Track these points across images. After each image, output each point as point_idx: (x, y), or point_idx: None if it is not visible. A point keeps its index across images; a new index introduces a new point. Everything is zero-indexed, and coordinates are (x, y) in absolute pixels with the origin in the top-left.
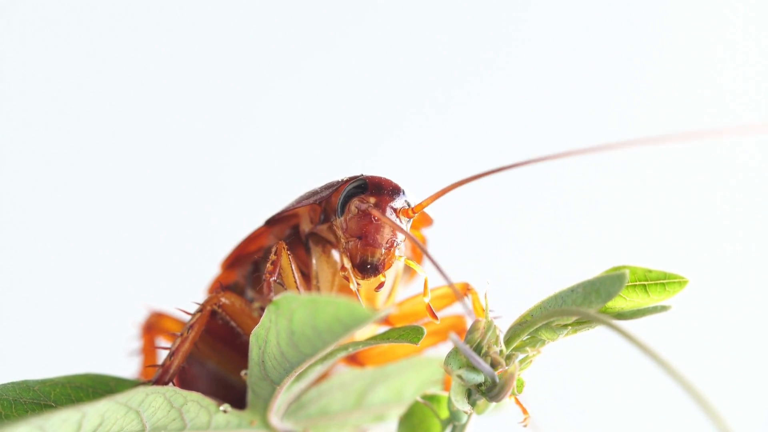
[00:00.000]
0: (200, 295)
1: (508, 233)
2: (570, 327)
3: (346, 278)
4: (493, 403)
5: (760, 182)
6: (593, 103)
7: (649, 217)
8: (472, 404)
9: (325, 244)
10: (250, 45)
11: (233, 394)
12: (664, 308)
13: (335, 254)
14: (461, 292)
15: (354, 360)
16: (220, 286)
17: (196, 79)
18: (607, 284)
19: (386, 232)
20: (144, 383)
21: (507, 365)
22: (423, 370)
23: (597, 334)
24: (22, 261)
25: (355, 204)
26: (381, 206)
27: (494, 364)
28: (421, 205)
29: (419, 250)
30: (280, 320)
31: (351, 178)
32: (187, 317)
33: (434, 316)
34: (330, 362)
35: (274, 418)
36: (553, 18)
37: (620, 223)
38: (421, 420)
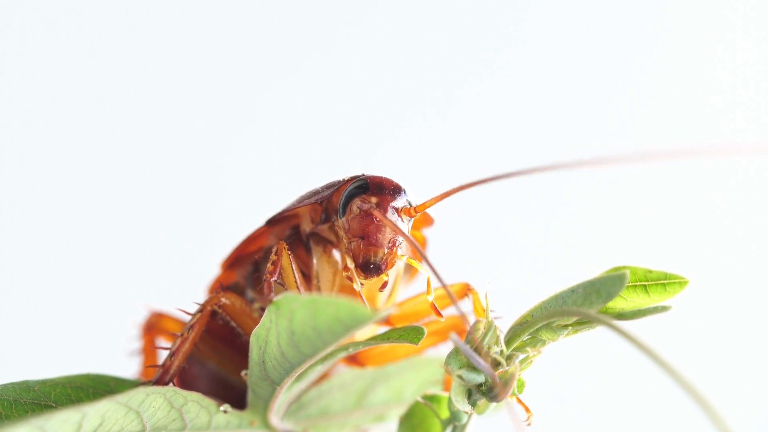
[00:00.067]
0: (200, 296)
1: (509, 233)
2: (570, 327)
3: (350, 278)
4: (494, 404)
5: (760, 182)
6: (594, 102)
7: (649, 218)
8: (473, 404)
9: (326, 243)
10: (250, 45)
11: (233, 395)
12: (664, 308)
13: (336, 254)
14: (461, 292)
15: (354, 360)
16: (220, 287)
17: (196, 80)
18: (608, 284)
19: (388, 232)
20: (144, 383)
21: (507, 365)
22: (423, 370)
23: (597, 334)
24: (22, 261)
25: (356, 204)
26: (382, 206)
27: (495, 365)
28: (425, 205)
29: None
30: (281, 320)
31: (352, 178)
32: (188, 317)
33: (439, 313)
34: (330, 362)
35: (275, 419)
36: (554, 17)
37: (620, 224)
38: (422, 420)
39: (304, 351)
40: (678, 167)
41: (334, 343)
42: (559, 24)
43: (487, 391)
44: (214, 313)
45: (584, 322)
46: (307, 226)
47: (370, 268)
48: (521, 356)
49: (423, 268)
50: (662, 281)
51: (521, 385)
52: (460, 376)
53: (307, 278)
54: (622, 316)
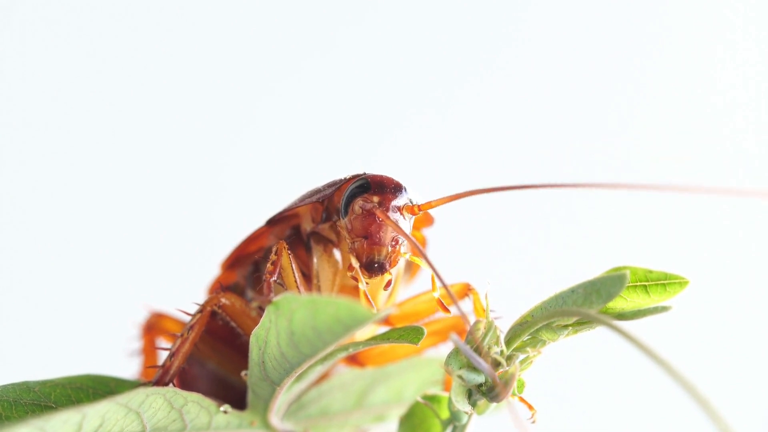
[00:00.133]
0: (200, 296)
1: (509, 233)
2: (571, 327)
3: (354, 278)
4: (494, 404)
5: (760, 182)
6: (594, 101)
7: (649, 218)
8: (473, 404)
9: (327, 243)
10: (251, 45)
11: (233, 395)
12: (664, 309)
13: (337, 253)
14: (462, 292)
15: (354, 360)
16: (220, 287)
17: (196, 80)
18: (608, 285)
19: (391, 230)
20: (144, 384)
21: (507, 366)
22: (423, 370)
23: (597, 334)
24: (22, 261)
25: (358, 204)
26: (384, 205)
27: (495, 365)
28: (431, 205)
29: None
30: (280, 321)
31: (353, 177)
32: (188, 318)
33: (446, 309)
34: (330, 362)
35: (275, 419)
36: (555, 17)
37: (620, 224)
38: (422, 420)
39: (303, 351)
40: (678, 167)
41: (334, 344)
42: (559, 23)
43: (487, 392)
44: (214, 314)
45: (584, 322)
46: (307, 226)
47: (374, 267)
48: (521, 356)
49: (426, 266)
50: (662, 281)
51: (521, 386)
52: (460, 376)
53: (307, 278)
54: (622, 316)
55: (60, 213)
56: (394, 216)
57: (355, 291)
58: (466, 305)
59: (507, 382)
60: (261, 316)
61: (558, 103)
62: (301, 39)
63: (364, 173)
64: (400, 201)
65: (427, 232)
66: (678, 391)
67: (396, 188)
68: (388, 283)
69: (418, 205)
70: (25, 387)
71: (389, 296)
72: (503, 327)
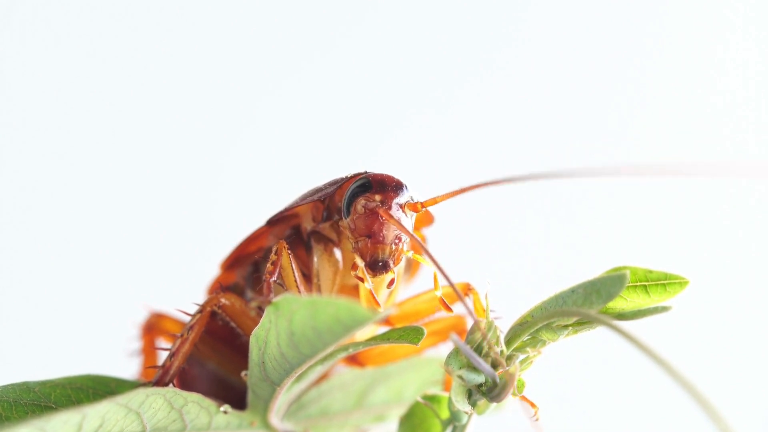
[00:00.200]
0: (200, 296)
1: (509, 233)
2: (571, 327)
3: (359, 278)
4: (494, 404)
5: (760, 182)
6: (594, 100)
7: (649, 218)
8: (473, 405)
9: (327, 242)
10: (250, 45)
11: (233, 395)
12: (664, 309)
13: (337, 253)
14: (462, 292)
15: (354, 360)
16: (220, 287)
17: (196, 80)
18: (608, 285)
19: (394, 228)
20: (144, 384)
21: (508, 366)
22: (423, 370)
23: (597, 334)
24: (22, 261)
25: (361, 203)
26: (387, 203)
27: (495, 365)
28: (435, 201)
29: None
30: (280, 321)
31: (355, 176)
32: (187, 318)
33: (448, 308)
34: (330, 363)
35: (275, 419)
36: (555, 16)
37: (621, 224)
38: (422, 420)
39: (304, 352)
40: (678, 166)
41: (334, 344)
42: (559, 22)
43: (487, 392)
44: (213, 314)
45: (584, 322)
46: (308, 225)
47: (378, 265)
48: (521, 356)
49: (429, 264)
50: (662, 281)
51: (521, 386)
52: (460, 376)
53: (307, 278)
54: (622, 316)
55: (60, 213)
56: (397, 214)
57: (354, 291)
58: (467, 305)
59: (507, 382)
60: (261, 317)
61: (558, 103)
62: (301, 39)
63: (365, 172)
64: (401, 199)
65: (427, 231)
66: (678, 391)
67: (397, 186)
68: (392, 282)
69: (420, 202)
70: (25, 387)
71: (389, 296)
72: (503, 327)
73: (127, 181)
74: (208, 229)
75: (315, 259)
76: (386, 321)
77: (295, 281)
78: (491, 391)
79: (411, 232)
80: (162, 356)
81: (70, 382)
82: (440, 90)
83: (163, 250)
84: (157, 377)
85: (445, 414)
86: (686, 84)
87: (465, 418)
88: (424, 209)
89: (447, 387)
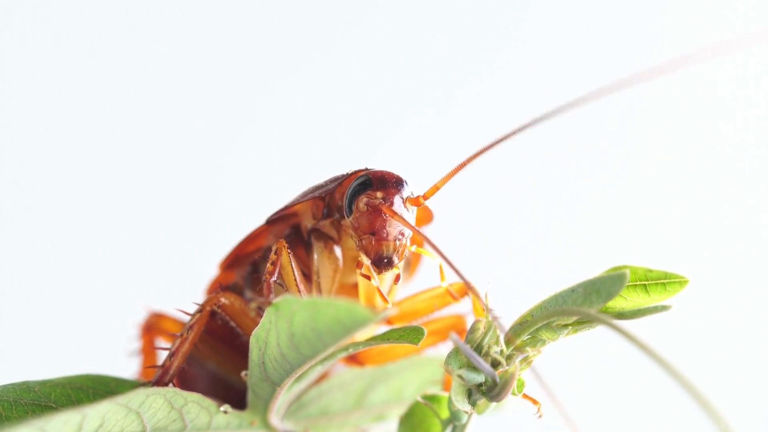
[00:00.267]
0: (200, 296)
1: (509, 233)
2: (570, 327)
3: (365, 276)
4: (494, 403)
5: (760, 182)
6: (595, 101)
7: (649, 217)
8: (473, 404)
9: (327, 240)
10: (250, 45)
11: (233, 395)
12: (664, 308)
13: (337, 250)
14: (461, 291)
15: (353, 359)
16: (219, 287)
17: (196, 80)
18: (608, 284)
19: (397, 224)
20: (144, 384)
21: (507, 365)
22: (423, 369)
23: (597, 334)
24: (22, 261)
25: (362, 201)
26: (388, 200)
27: (495, 364)
28: (435, 188)
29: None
30: (281, 322)
31: (355, 173)
32: (187, 318)
33: (454, 297)
34: (330, 363)
35: (275, 419)
36: (556, 15)
37: (620, 223)
38: (422, 420)
39: (304, 352)
40: (678, 167)
41: (335, 345)
42: (560, 21)
43: (487, 391)
44: (213, 314)
45: (584, 321)
46: (308, 222)
47: (383, 262)
48: (521, 356)
49: (434, 256)
50: (662, 281)
51: (521, 385)
52: (460, 376)
53: (307, 278)
54: (622, 315)
55: (60, 213)
56: (400, 209)
57: (354, 289)
58: (466, 304)
59: (507, 381)
60: (261, 317)
61: (557, 102)
62: (299, 39)
63: (366, 168)
64: (403, 194)
65: (427, 230)
66: (678, 390)
67: (398, 182)
68: (397, 278)
69: (421, 196)
70: (25, 387)
71: (388, 295)
72: (503, 327)
73: (126, 182)
74: (208, 229)
75: (315, 256)
76: (386, 320)
77: (295, 280)
78: (491, 391)
79: (414, 226)
80: (162, 356)
81: (70, 382)
82: (439, 87)
83: (163, 250)
84: (157, 377)
85: (445, 414)
86: (685, 84)
87: (465, 418)
88: (426, 201)
89: (447, 387)
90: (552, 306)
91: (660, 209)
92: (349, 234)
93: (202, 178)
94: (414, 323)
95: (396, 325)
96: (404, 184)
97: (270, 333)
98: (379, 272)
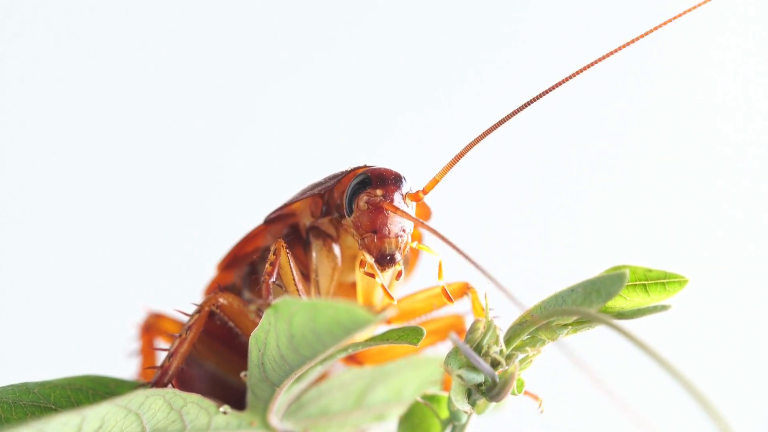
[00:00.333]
0: (198, 297)
1: (508, 233)
2: (570, 327)
3: (369, 274)
4: (493, 403)
5: (759, 182)
6: (595, 101)
7: (649, 217)
8: (472, 404)
9: (326, 238)
10: (248, 45)
11: (231, 395)
12: (664, 308)
13: (336, 248)
14: (460, 291)
15: (352, 359)
16: (218, 287)
17: (195, 80)
18: (608, 284)
19: (398, 221)
20: (143, 385)
21: (507, 365)
22: (422, 369)
23: (597, 333)
24: (21, 261)
25: (363, 200)
26: (389, 196)
27: (494, 364)
28: (435, 181)
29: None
30: (280, 323)
31: (354, 170)
32: (186, 318)
33: (449, 298)
34: (329, 363)
35: (274, 419)
36: (556, 15)
37: (620, 223)
38: (421, 420)
39: (303, 353)
40: (678, 167)
41: (334, 346)
42: (560, 20)
43: (486, 391)
44: (212, 314)
45: (584, 321)
46: (306, 220)
47: (386, 259)
48: (521, 356)
49: (434, 253)
50: (662, 280)
51: (520, 385)
52: (459, 376)
53: (305, 278)
54: (621, 315)
55: (60, 213)
56: (401, 205)
57: (352, 288)
58: (465, 305)
59: (506, 381)
60: (260, 318)
61: (558, 100)
62: (297, 39)
63: (364, 165)
64: (402, 190)
65: (426, 239)
66: (678, 390)
67: (396, 179)
68: (399, 274)
69: (420, 190)
70: (25, 388)
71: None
72: (502, 326)
73: (125, 183)
74: (207, 229)
75: (313, 254)
76: (385, 320)
77: (294, 280)
78: (491, 391)
79: (417, 219)
80: (161, 356)
81: (70, 383)
82: (438, 86)
83: (162, 250)
84: (156, 378)
85: (444, 413)
86: (685, 84)
87: (464, 418)
88: (425, 196)
89: (446, 386)
90: (551, 306)
91: (660, 209)
92: (351, 233)
93: (201, 179)
94: (413, 323)
95: (395, 325)
96: (403, 180)
97: (269, 334)
98: (383, 270)
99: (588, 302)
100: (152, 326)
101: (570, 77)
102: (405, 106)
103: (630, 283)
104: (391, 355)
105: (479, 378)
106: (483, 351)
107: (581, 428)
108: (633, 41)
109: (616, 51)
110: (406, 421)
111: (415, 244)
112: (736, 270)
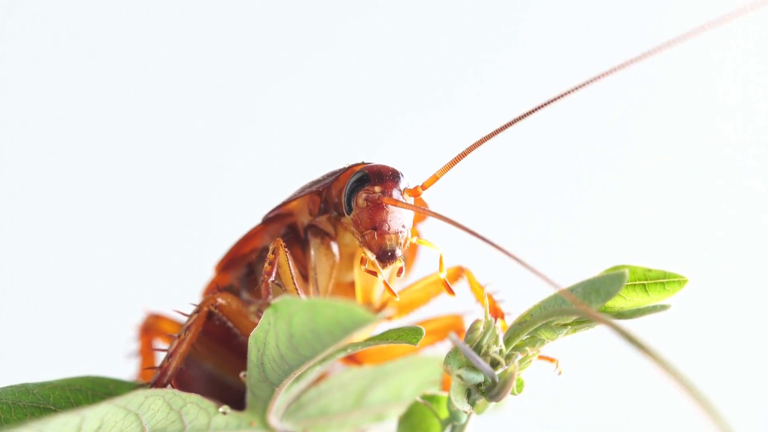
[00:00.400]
0: (197, 297)
1: (508, 233)
2: (570, 326)
3: (371, 271)
4: (493, 403)
5: (759, 182)
6: (595, 100)
7: (649, 217)
8: (472, 404)
9: (324, 236)
10: (248, 45)
11: (230, 395)
12: (663, 307)
13: (334, 246)
14: (455, 275)
15: (351, 358)
16: (216, 287)
17: (195, 81)
18: (607, 283)
19: (398, 217)
20: (142, 385)
21: (507, 365)
22: (422, 369)
23: (597, 333)
24: (22, 262)
25: (362, 197)
26: (388, 192)
27: (494, 364)
28: (435, 178)
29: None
30: (279, 323)
31: (352, 167)
32: (184, 319)
33: (450, 290)
34: (329, 363)
35: (274, 419)
36: (556, 14)
37: (620, 223)
38: (421, 420)
39: (303, 353)
40: (678, 166)
41: (333, 346)
42: (560, 20)
43: (486, 391)
44: (210, 315)
45: (583, 321)
46: (304, 219)
47: (387, 255)
48: (520, 356)
49: (435, 246)
50: (661, 280)
51: (520, 385)
52: (459, 376)
53: (304, 278)
54: (621, 315)
55: (59, 214)
56: (401, 200)
57: (351, 287)
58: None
59: (506, 381)
60: (259, 318)
61: (558, 100)
62: (296, 39)
63: (362, 162)
64: (400, 186)
65: (424, 227)
66: (678, 390)
67: (394, 174)
68: (400, 270)
69: (419, 186)
70: (24, 389)
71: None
72: (509, 319)
73: (124, 183)
74: (205, 230)
75: (312, 253)
76: (383, 306)
77: (292, 279)
78: (490, 391)
79: (419, 207)
80: (160, 357)
81: (69, 384)
82: (439, 88)
83: (161, 251)
84: (155, 378)
85: (444, 413)
86: (685, 84)
87: (464, 418)
88: (424, 191)
89: (445, 386)
90: (551, 305)
91: (660, 209)
92: (350, 231)
93: (201, 179)
94: (412, 323)
95: (395, 320)
96: (401, 175)
97: (269, 334)
98: (384, 266)
99: (587, 302)
100: (151, 327)
101: (575, 89)
102: (405, 106)
103: (629, 283)
104: (390, 355)
105: (479, 378)
106: (482, 351)
107: (581, 428)
108: (639, 58)
109: (619, 68)
110: (406, 421)
111: (414, 240)
112: (736, 270)
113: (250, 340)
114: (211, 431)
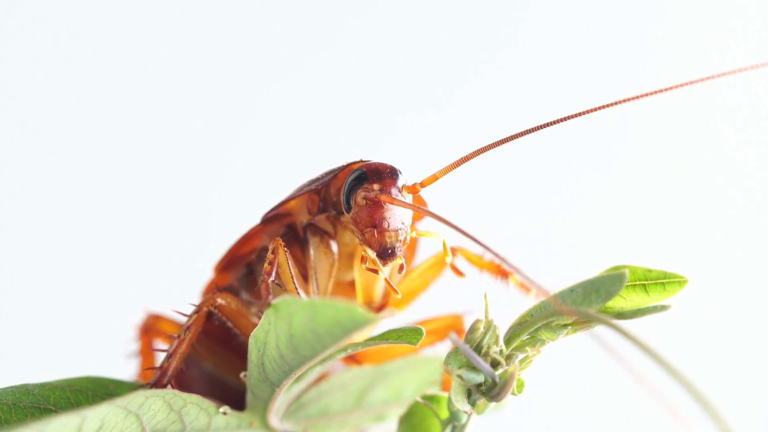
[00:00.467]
0: (197, 297)
1: (508, 233)
2: (570, 327)
3: (372, 269)
4: (493, 403)
5: (759, 182)
6: (595, 98)
7: (649, 217)
8: (472, 404)
9: (323, 235)
10: (248, 45)
11: (230, 395)
12: (664, 308)
13: (333, 245)
14: (453, 255)
15: (351, 358)
16: (216, 288)
17: (195, 81)
18: (607, 284)
19: (397, 214)
20: (143, 386)
21: (507, 365)
22: (422, 369)
23: (597, 334)
24: (22, 262)
25: (361, 195)
26: (386, 190)
27: (494, 364)
28: (434, 177)
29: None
30: (279, 323)
31: (350, 165)
32: (184, 319)
33: (460, 273)
34: (329, 363)
35: (274, 419)
36: (556, 14)
37: (620, 223)
38: (421, 420)
39: (303, 353)
40: (678, 166)
41: (334, 346)
42: (560, 19)
43: (486, 391)
44: (210, 315)
45: (584, 321)
46: (303, 218)
47: (388, 253)
48: (521, 356)
49: (437, 235)
50: (662, 280)
51: (521, 385)
52: (459, 376)
53: (304, 277)
54: (621, 315)
55: (59, 214)
56: (398, 197)
57: (350, 286)
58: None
59: (506, 381)
60: (259, 318)
61: (558, 100)
62: (296, 39)
63: (360, 160)
64: (398, 183)
65: (423, 226)
66: (678, 390)
67: (392, 172)
68: (401, 267)
69: (418, 183)
70: (24, 390)
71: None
72: (502, 326)
73: (123, 184)
74: (205, 230)
75: (311, 251)
76: (383, 303)
77: (292, 278)
78: (491, 391)
79: (417, 206)
80: (160, 357)
81: (69, 384)
82: (439, 88)
83: (161, 251)
84: (155, 378)
85: (444, 414)
86: (688, 88)
87: (464, 418)
88: (423, 189)
89: (446, 387)
90: (551, 306)
91: (660, 209)
92: (350, 229)
93: (200, 180)
94: (412, 323)
95: (395, 312)
96: (399, 173)
97: (269, 334)
98: (385, 264)
99: (588, 302)
100: (151, 327)
101: (581, 113)
102: (405, 106)
103: (630, 283)
104: (391, 355)
105: (479, 378)
106: (483, 351)
107: (581, 428)
108: (647, 95)
109: (627, 100)
110: (406, 421)
111: (414, 234)
112: (736, 270)
113: (251, 340)
114: (212, 431)
